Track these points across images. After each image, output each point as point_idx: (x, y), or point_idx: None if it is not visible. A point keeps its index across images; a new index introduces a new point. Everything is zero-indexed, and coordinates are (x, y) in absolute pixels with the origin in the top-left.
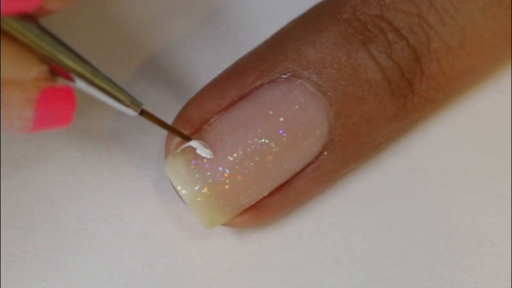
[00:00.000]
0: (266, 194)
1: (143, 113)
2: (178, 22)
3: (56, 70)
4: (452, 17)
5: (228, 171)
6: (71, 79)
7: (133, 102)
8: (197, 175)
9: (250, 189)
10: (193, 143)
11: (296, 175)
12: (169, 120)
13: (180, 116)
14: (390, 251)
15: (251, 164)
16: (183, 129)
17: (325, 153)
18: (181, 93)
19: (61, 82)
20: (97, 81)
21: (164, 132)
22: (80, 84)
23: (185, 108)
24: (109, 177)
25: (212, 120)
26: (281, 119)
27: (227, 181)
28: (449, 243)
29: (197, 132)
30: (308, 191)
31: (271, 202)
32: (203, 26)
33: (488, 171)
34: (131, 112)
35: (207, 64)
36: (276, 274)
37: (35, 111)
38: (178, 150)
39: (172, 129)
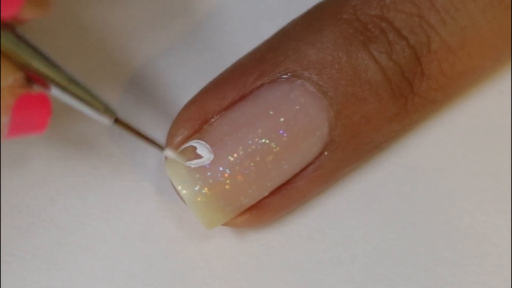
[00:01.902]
0: (266, 194)
1: (117, 121)
2: (178, 22)
3: (31, 78)
4: (452, 18)
5: (228, 171)
6: (47, 86)
7: (107, 111)
8: (197, 175)
9: (250, 189)
10: (168, 154)
11: (297, 175)
12: (168, 122)
13: (180, 116)
14: (390, 251)
15: (252, 164)
16: (183, 129)
17: (326, 153)
18: (180, 94)
19: (36, 89)
20: (71, 88)
21: (164, 133)
22: (55, 91)
23: (185, 108)
24: (109, 177)
25: (212, 120)
26: (282, 119)
27: (228, 181)
28: (449, 243)
29: (198, 132)
30: (308, 191)
31: (272, 202)
32: (203, 26)
33: (488, 171)
34: (105, 121)
35: (207, 64)
36: (276, 274)
37: (10, 117)
38: (179, 151)
39: (147, 139)
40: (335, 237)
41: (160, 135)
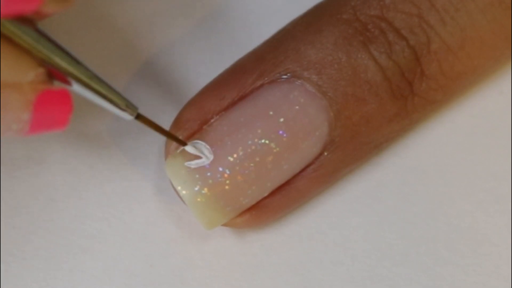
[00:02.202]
0: (266, 194)
1: (139, 117)
2: (178, 22)
3: (53, 73)
4: (452, 18)
5: (228, 172)
6: (68, 83)
7: (128, 106)
8: (197, 176)
9: (250, 189)
10: (189, 149)
11: (296, 175)
12: (169, 121)
13: (180, 117)
14: (390, 251)
15: (251, 164)
16: (183, 130)
17: (325, 153)
18: (180, 94)
19: (57, 85)
20: (93, 84)
21: None
22: (76, 87)
23: (185, 108)
24: (109, 177)
25: (212, 120)
26: (281, 119)
27: (227, 182)
28: (449, 243)
29: (197, 133)
30: (308, 192)
31: (271, 203)
32: (203, 26)
33: (488, 171)
34: (127, 116)
35: (207, 64)
36: (276, 274)
37: (32, 113)
38: (178, 151)
39: (168, 134)
40: (335, 237)
41: (161, 135)
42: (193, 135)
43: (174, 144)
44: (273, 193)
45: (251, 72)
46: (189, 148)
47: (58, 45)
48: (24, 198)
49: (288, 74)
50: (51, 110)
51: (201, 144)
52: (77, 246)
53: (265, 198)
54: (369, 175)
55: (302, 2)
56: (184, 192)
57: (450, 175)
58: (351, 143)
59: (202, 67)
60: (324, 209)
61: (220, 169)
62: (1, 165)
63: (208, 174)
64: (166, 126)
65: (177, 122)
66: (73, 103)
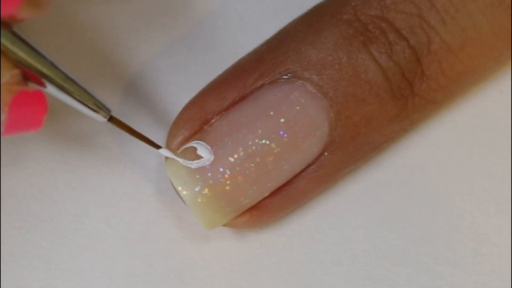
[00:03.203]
0: (266, 195)
1: (111, 119)
2: (178, 22)
3: (27, 75)
4: (452, 18)
5: (228, 172)
6: (43, 84)
7: (102, 108)
8: (197, 176)
9: (250, 190)
10: (164, 152)
11: (297, 175)
12: (169, 121)
13: (180, 117)
14: (390, 251)
15: (252, 165)
16: (183, 130)
17: (326, 153)
18: (181, 93)
19: (32, 86)
20: (66, 86)
21: (164, 133)
22: (50, 89)
23: (185, 108)
24: (109, 177)
25: (212, 121)
26: (282, 120)
27: (228, 182)
28: (449, 243)
29: (198, 133)
30: (308, 192)
31: (272, 203)
32: (203, 26)
33: (488, 171)
34: (100, 118)
35: (207, 64)
36: (276, 274)
37: (7, 114)
38: (179, 151)
39: (142, 137)
40: (335, 237)
41: (160, 136)
42: (193, 135)
43: (174, 144)
44: (273, 193)
45: (251, 72)
46: (164, 152)
47: (33, 47)
48: (24, 198)
49: (289, 75)
50: (26, 111)
51: (201, 144)
52: (77, 246)
53: (266, 198)
54: (369, 175)
55: (302, 2)
56: (184, 192)
57: (450, 175)
58: (351, 143)
59: (202, 67)
60: (324, 209)
61: (221, 169)
62: (1, 165)
63: (209, 174)
64: (167, 126)
65: (177, 122)
66: (47, 105)
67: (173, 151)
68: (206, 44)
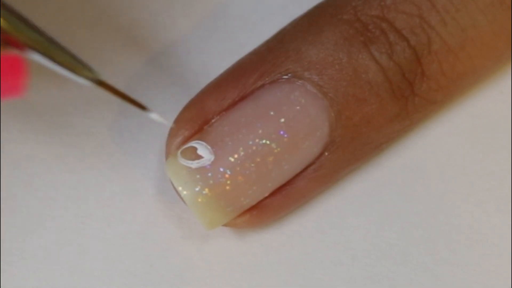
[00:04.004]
0: (266, 194)
1: (101, 84)
2: (179, 22)
3: (9, 41)
4: (453, 18)
5: (229, 172)
6: (23, 49)
7: (89, 71)
8: (198, 176)
9: (251, 190)
10: (155, 116)
11: (297, 175)
12: (170, 120)
13: (181, 117)
14: (390, 251)
15: (252, 165)
16: (184, 130)
17: (326, 153)
18: (181, 93)
19: (13, 51)
20: (51, 51)
21: (165, 132)
22: (34, 55)
23: (185, 108)
24: (109, 177)
25: (213, 121)
26: (282, 120)
27: (228, 182)
28: (449, 243)
29: (198, 133)
30: (308, 192)
31: (272, 203)
32: (203, 26)
33: (488, 171)
34: (86, 82)
35: (208, 64)
36: (276, 274)
37: None
38: (180, 151)
39: (129, 99)
40: (335, 237)
41: (161, 135)
42: (194, 135)
43: (175, 144)
44: (273, 193)
45: (252, 72)
46: (153, 116)
47: (16, 12)
48: (24, 198)
49: (289, 75)
50: (7, 76)
51: (202, 144)
52: (77, 246)
53: (266, 198)
54: (369, 175)
55: (302, 2)
56: (184, 192)
57: (450, 175)
58: (351, 144)
59: (202, 67)
60: (324, 209)
61: (221, 169)
62: (1, 165)
63: (209, 174)
64: (167, 126)
65: (178, 122)
66: (28, 70)
67: (174, 151)
68: (206, 44)
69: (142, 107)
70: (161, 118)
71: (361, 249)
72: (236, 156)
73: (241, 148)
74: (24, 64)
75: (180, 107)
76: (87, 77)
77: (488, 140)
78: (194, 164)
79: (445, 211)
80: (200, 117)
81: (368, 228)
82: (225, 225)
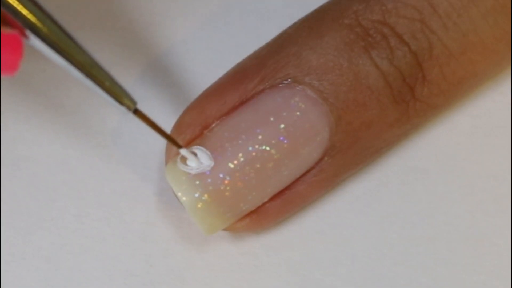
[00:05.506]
0: (266, 200)
1: (136, 112)
2: (179, 23)
3: (8, 21)
4: (454, 23)
5: (228, 178)
6: (22, 31)
7: (129, 99)
8: (197, 182)
9: (250, 195)
10: (184, 152)
11: (297, 180)
12: (170, 123)
13: (181, 121)
14: (390, 251)
15: (252, 171)
16: (184, 134)
17: (326, 158)
18: (181, 96)
19: (9, 29)
20: (95, 74)
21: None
22: (33, 39)
23: (185, 112)
24: (109, 177)
25: (213, 125)
26: (282, 125)
27: (228, 188)
28: (449, 243)
29: (198, 138)
30: (308, 196)
31: (272, 207)
32: (204, 28)
33: (488, 171)
34: (124, 110)
35: (208, 66)
36: (276, 274)
37: None
38: (179, 157)
39: (164, 134)
40: (335, 237)
41: (160, 138)
42: (194, 140)
43: (174, 149)
44: (273, 197)
45: (252, 76)
46: (184, 152)
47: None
48: (24, 198)
49: (289, 79)
50: (4, 53)
51: (201, 150)
52: (77, 246)
53: (265, 202)
54: (369, 175)
55: (303, 3)
56: (184, 198)
57: (450, 175)
58: (351, 148)
59: (202, 68)
60: (324, 209)
61: (221, 175)
62: (1, 165)
63: (209, 180)
64: (167, 128)
65: (178, 126)
66: (23, 50)
67: (174, 155)
68: (206, 44)
69: (177, 144)
70: (190, 154)
71: (361, 249)
72: (235, 162)
73: (240, 154)
74: (21, 42)
75: (180, 108)
76: (126, 105)
77: (488, 140)
78: (194, 170)
79: (445, 211)
80: (200, 122)
81: (368, 228)
82: (225, 229)
